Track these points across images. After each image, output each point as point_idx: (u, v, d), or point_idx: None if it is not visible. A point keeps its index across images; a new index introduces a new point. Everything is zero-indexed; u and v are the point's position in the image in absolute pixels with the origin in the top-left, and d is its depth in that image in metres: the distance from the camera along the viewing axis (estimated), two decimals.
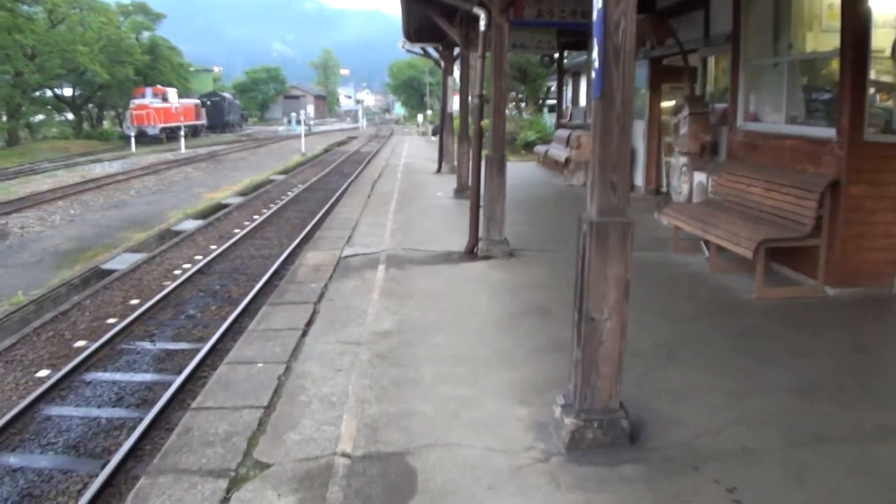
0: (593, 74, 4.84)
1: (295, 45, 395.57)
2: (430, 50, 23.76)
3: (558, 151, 22.15)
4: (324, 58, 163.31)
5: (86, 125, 64.00)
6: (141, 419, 7.47)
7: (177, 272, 14.47)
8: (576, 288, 5.12)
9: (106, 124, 68.21)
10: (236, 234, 18.22)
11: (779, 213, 9.04)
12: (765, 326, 7.64)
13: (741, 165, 10.67)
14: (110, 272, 14.59)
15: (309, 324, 7.77)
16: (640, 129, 17.23)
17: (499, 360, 6.64)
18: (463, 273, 9.67)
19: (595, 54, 4.79)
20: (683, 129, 13.01)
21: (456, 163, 17.62)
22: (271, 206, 23.09)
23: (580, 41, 22.76)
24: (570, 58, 27.40)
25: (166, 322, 11.12)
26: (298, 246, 15.94)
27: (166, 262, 15.36)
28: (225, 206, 24.05)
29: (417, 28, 20.03)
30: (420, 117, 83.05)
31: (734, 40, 11.43)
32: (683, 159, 13.06)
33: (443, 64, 23.49)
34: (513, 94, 42.55)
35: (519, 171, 23.57)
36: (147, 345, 10.11)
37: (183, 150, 46.33)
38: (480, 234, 10.50)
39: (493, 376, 6.23)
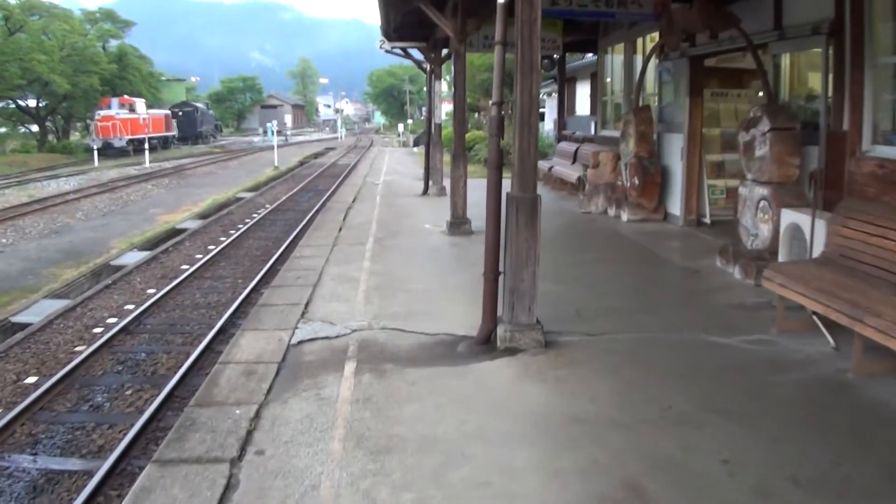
0: None
1: (273, 55, 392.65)
2: (414, 52, 20.29)
3: (566, 170, 18.66)
4: (302, 67, 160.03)
5: (51, 138, 60.20)
6: None
7: (97, 329, 11.36)
8: None
9: (74, 136, 64.47)
10: (184, 271, 15.00)
11: None
12: None
13: (879, 208, 7.18)
14: (18, 328, 11.62)
15: None
16: (676, 144, 13.75)
17: None
18: (479, 390, 5.96)
19: None
20: (762, 150, 9.49)
21: (448, 186, 13.94)
22: (232, 232, 19.81)
23: (588, 40, 19.30)
24: (568, 60, 24.00)
25: (62, 418, 8.02)
26: (255, 290, 12.89)
27: (89, 314, 12.19)
28: (180, 231, 20.86)
29: (399, 25, 16.55)
30: (400, 127, 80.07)
31: (854, 29, 7.99)
32: (762, 190, 9.55)
33: (428, 67, 19.86)
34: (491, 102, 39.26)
35: None
36: (25, 460, 6.98)
37: (148, 164, 42.79)
38: (500, 310, 6.91)
39: None
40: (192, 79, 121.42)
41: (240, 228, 20.14)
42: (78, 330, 11.29)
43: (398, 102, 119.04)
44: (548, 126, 33.39)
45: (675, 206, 13.90)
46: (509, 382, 6.12)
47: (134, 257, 17.07)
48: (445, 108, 25.37)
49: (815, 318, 7.14)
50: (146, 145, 46.47)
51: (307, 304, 8.56)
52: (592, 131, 22.28)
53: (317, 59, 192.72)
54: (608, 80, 18.65)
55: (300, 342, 7.24)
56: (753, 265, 9.32)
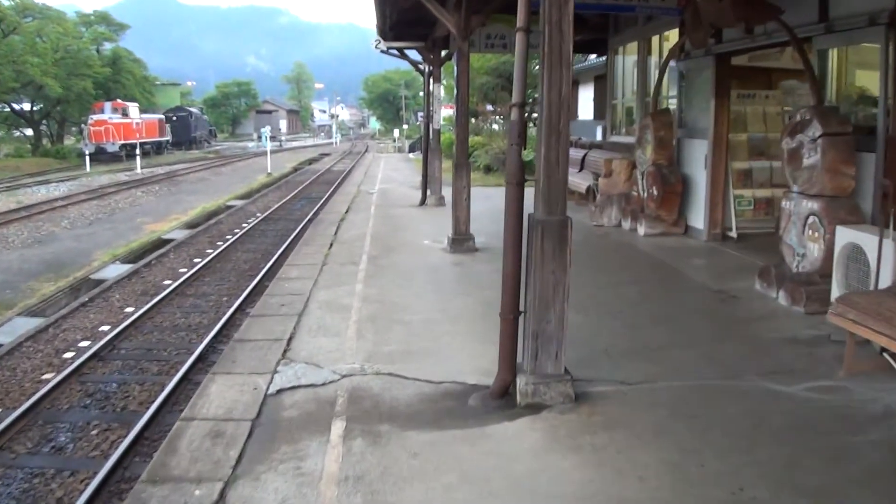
0: None
1: (269, 60, 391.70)
2: (412, 53, 19.05)
3: (574, 178, 17.40)
4: (297, 72, 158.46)
5: (46, 142, 59.03)
6: None
7: (68, 354, 10.28)
8: None
9: (70, 140, 63.24)
10: (166, 286, 13.83)
11: None
12: None
13: None
14: None
15: None
16: (699, 150, 12.54)
17: None
18: (499, 465, 4.67)
19: None
20: (811, 158, 8.27)
21: (448, 197, 12.64)
22: (219, 243, 18.63)
23: (596, 40, 18.08)
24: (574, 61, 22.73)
25: (21, 461, 6.99)
26: (240, 309, 11.80)
27: (62, 336, 11.13)
28: (166, 242, 19.66)
29: (395, 22, 15.35)
30: (396, 132, 78.77)
31: None
32: (812, 204, 8.33)
33: (426, 69, 18.59)
34: (490, 107, 38.03)
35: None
36: None
37: (139, 169, 41.47)
38: (519, 357, 5.67)
39: None
40: (188, 83, 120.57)
41: (228, 239, 18.98)
42: (48, 354, 10.24)
43: (394, 108, 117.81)
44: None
45: (698, 218, 12.69)
46: (535, 453, 4.85)
47: (115, 271, 15.95)
48: (444, 113, 24.07)
49: (885, 356, 5.98)
50: (138, 150, 45.00)
51: (290, 340, 7.31)
52: (599, 136, 21.10)
53: (312, 64, 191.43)
54: (619, 81, 17.42)
55: (279, 391, 5.99)
56: (802, 290, 8.12)
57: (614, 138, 17.26)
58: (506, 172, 5.60)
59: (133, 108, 57.06)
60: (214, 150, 69.83)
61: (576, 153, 18.97)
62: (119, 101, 56.94)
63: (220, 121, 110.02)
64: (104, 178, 37.39)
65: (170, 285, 13.85)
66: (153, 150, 58.42)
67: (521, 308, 5.58)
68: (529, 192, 5.41)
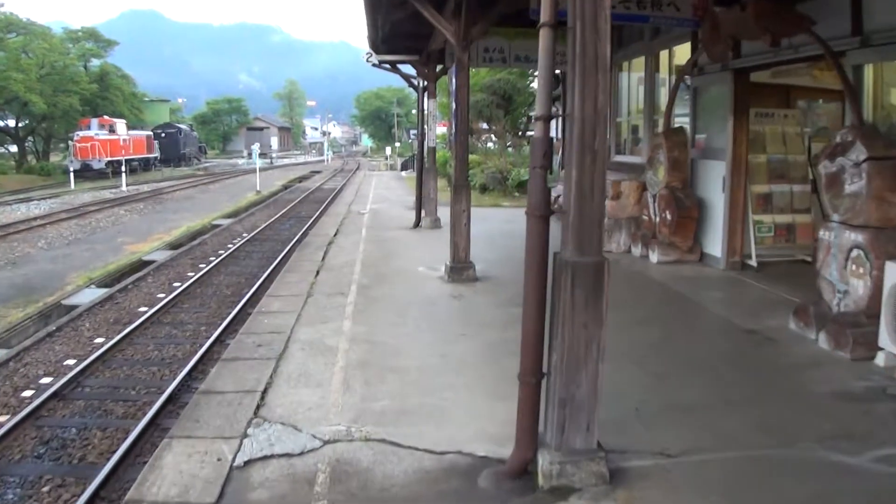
0: None
1: (261, 77, 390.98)
2: (405, 68, 18.06)
3: None
4: (289, 89, 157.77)
5: (31, 158, 57.95)
6: None
7: (27, 393, 9.33)
8: None
9: (57, 157, 62.16)
10: (141, 314, 12.82)
11: None
12: None
13: None
14: None
15: None
16: (716, 172, 11.59)
17: None
18: None
19: None
20: (855, 185, 7.31)
21: (444, 219, 11.54)
22: (202, 265, 17.61)
23: None
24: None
25: None
26: (220, 340, 10.92)
27: (22, 371, 10.18)
28: (146, 263, 18.57)
29: (388, 35, 14.38)
30: (388, 150, 78.13)
31: None
32: (856, 236, 7.36)
33: (421, 83, 17.56)
34: (484, 125, 37.11)
35: (522, 222, 17.71)
36: None
37: (125, 187, 40.45)
38: (541, 427, 4.62)
39: None
40: (179, 100, 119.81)
41: (211, 262, 17.95)
42: (4, 393, 9.27)
43: (386, 125, 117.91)
44: None
45: (715, 245, 11.71)
46: None
47: (90, 296, 14.91)
48: (438, 130, 23.04)
49: None
50: (123, 167, 43.93)
51: (265, 391, 6.25)
52: None
53: (304, 82, 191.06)
54: (622, 99, 16.49)
55: (248, 462, 4.96)
56: (848, 333, 7.15)
57: (618, 158, 16.30)
58: (527, 202, 4.60)
59: (120, 124, 56.01)
60: (204, 168, 68.79)
61: None
62: (106, 117, 55.86)
63: (210, 138, 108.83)
64: (87, 196, 36.36)
65: (145, 313, 12.87)
66: (141, 167, 57.41)
67: (544, 369, 4.55)
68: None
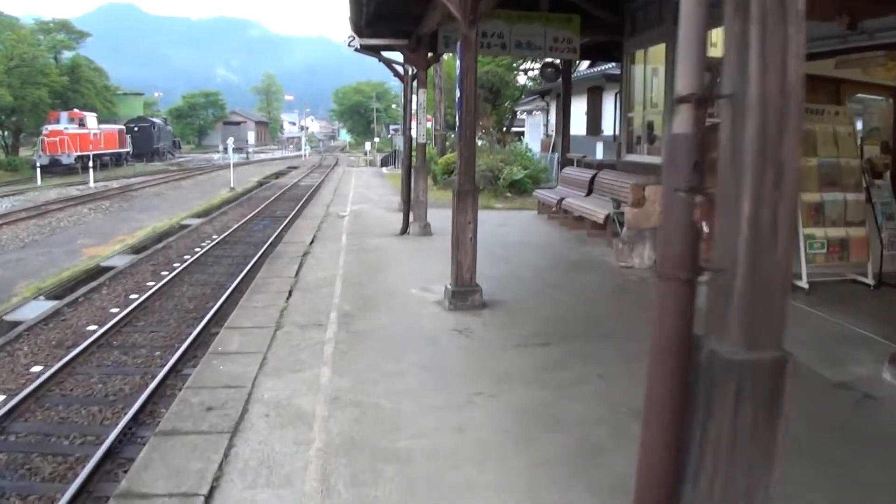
0: None
1: (239, 71, 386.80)
2: (391, 56, 16.17)
3: (586, 204, 14.52)
4: (266, 83, 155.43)
5: (0, 153, 55.67)
6: None
7: None
8: None
9: (26, 152, 59.87)
10: (89, 335, 10.94)
11: None
12: None
13: None
14: None
15: None
16: None
17: None
18: None
19: None
20: None
21: (438, 226, 9.49)
22: (164, 273, 15.71)
23: (608, 44, 15.39)
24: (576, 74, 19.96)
25: None
26: (175, 370, 9.35)
27: None
28: (104, 270, 16.61)
29: (374, 15, 12.47)
30: (367, 145, 76.16)
31: None
32: None
33: (410, 71, 15.52)
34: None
35: (520, 227, 16.03)
36: None
37: (92, 184, 38.17)
38: None
39: None
40: (156, 94, 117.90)
41: (175, 268, 16.10)
42: None
43: (364, 120, 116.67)
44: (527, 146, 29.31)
45: None
46: None
47: (36, 310, 13.04)
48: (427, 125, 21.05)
49: None
50: (90, 163, 41.69)
51: (210, 495, 4.35)
52: (599, 154, 18.44)
53: (283, 76, 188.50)
54: (636, 91, 14.69)
55: None
56: None
57: (632, 157, 14.52)
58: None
59: (91, 118, 53.66)
60: (178, 163, 66.48)
61: (581, 174, 16.26)
62: (76, 110, 53.62)
63: (186, 132, 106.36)
64: (53, 193, 34.21)
65: (94, 332, 11.01)
66: (112, 162, 55.08)
67: None
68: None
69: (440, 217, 15.68)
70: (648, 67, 14.14)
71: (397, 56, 15.75)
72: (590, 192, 15.28)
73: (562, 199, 15.83)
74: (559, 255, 12.89)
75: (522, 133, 39.32)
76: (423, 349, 7.15)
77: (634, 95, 14.80)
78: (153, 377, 9.05)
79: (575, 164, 18.05)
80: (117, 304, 13.28)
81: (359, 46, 14.33)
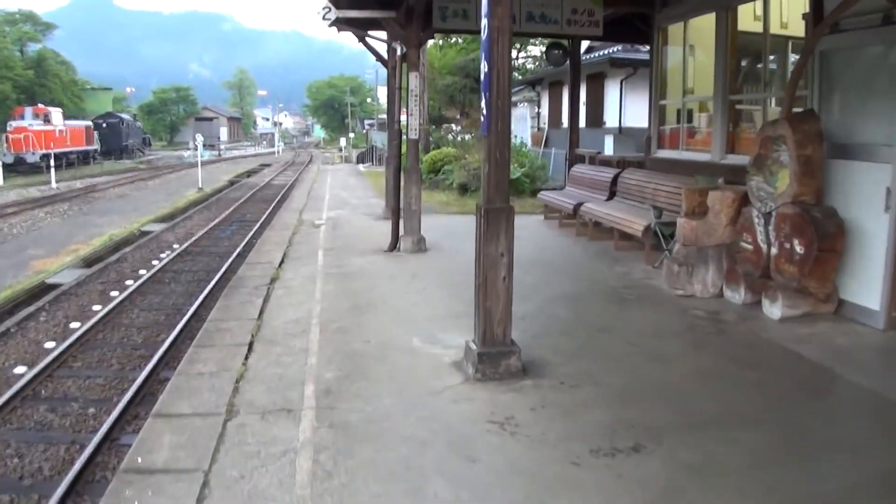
0: None
1: (212, 66, 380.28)
2: (375, 44, 13.44)
3: (614, 212, 11.79)
4: (239, 77, 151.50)
5: None
6: None
7: None
8: None
9: None
10: (12, 381, 8.59)
11: None
12: None
13: None
14: None
15: None
16: (869, 180, 7.29)
17: None
18: None
19: None
20: None
21: (479, 278, 5.83)
22: (114, 293, 13.15)
23: (634, 17, 12.90)
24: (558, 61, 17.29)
25: None
26: (110, 437, 6.99)
27: None
28: (49, 289, 13.95)
29: None
30: (342, 141, 73.62)
31: None
32: None
33: (398, 50, 12.59)
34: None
35: (530, 238, 13.08)
36: None
37: (55, 184, 35.32)
38: None
39: None
40: (128, 89, 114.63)
41: (128, 286, 13.50)
42: None
43: (339, 115, 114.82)
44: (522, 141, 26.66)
45: (867, 292, 7.36)
46: None
47: None
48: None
49: None
50: (52, 162, 38.75)
51: None
52: (609, 150, 15.90)
53: (256, 71, 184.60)
54: (671, 73, 12.20)
55: None
56: None
57: (664, 154, 12.01)
58: None
59: (56, 113, 50.54)
60: (147, 161, 63.32)
61: (597, 173, 13.78)
62: (41, 106, 50.85)
63: (157, 128, 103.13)
64: (12, 195, 31.39)
65: (19, 377, 8.67)
66: (79, 160, 52.03)
67: None
68: None
69: (432, 226, 13.10)
70: (687, 44, 11.67)
71: (380, 36, 13.03)
72: (612, 196, 12.76)
73: (579, 203, 13.11)
74: (592, 279, 10.08)
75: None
76: (454, 469, 4.43)
77: (668, 79, 12.27)
78: (82, 447, 6.76)
79: (587, 161, 15.51)
80: (54, 335, 10.78)
81: (334, 19, 11.46)
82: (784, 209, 7.64)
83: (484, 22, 5.72)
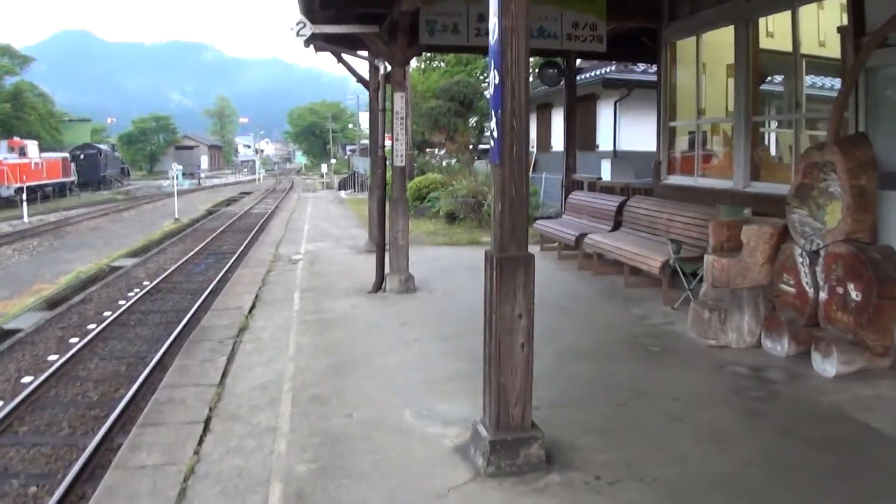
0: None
1: (193, 95, 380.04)
2: (353, 60, 12.22)
3: (624, 246, 10.54)
4: (220, 105, 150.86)
5: None
6: None
7: None
8: None
9: None
10: None
11: None
12: None
13: None
14: None
15: None
16: None
17: None
18: None
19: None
20: None
21: (491, 345, 4.73)
22: (74, 339, 12.00)
23: (640, 32, 11.87)
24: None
25: None
26: None
27: None
28: (6, 335, 12.73)
29: None
30: (324, 167, 72.62)
31: None
32: None
33: (382, 69, 11.31)
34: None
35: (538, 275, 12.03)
36: None
37: (27, 218, 34.07)
38: None
39: None
40: (109, 120, 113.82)
41: (90, 331, 12.31)
42: None
43: (320, 141, 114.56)
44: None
45: None
46: None
47: None
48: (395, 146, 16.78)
49: None
50: (24, 196, 37.41)
51: None
52: (606, 174, 14.84)
53: (237, 99, 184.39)
54: (682, 92, 11.17)
55: None
56: None
57: (676, 180, 10.90)
58: None
59: (32, 146, 49.53)
60: (125, 191, 62.07)
61: (600, 201, 12.68)
62: (17, 139, 49.75)
63: (137, 158, 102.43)
64: None
65: None
66: (56, 192, 50.79)
67: None
68: None
69: (420, 261, 11.94)
70: (694, 63, 10.61)
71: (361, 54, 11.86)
72: (617, 226, 11.63)
73: (582, 234, 11.89)
74: (608, 325, 8.72)
75: (486, 151, 36.00)
76: None
77: (677, 99, 11.19)
78: None
79: (586, 187, 14.39)
80: (3, 392, 9.61)
81: (309, 34, 10.17)
82: (836, 248, 6.48)
83: (493, 22, 4.59)
